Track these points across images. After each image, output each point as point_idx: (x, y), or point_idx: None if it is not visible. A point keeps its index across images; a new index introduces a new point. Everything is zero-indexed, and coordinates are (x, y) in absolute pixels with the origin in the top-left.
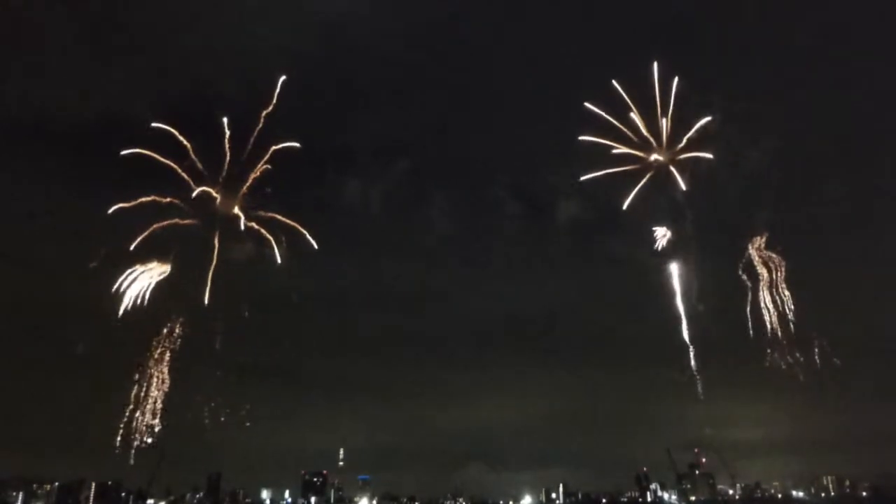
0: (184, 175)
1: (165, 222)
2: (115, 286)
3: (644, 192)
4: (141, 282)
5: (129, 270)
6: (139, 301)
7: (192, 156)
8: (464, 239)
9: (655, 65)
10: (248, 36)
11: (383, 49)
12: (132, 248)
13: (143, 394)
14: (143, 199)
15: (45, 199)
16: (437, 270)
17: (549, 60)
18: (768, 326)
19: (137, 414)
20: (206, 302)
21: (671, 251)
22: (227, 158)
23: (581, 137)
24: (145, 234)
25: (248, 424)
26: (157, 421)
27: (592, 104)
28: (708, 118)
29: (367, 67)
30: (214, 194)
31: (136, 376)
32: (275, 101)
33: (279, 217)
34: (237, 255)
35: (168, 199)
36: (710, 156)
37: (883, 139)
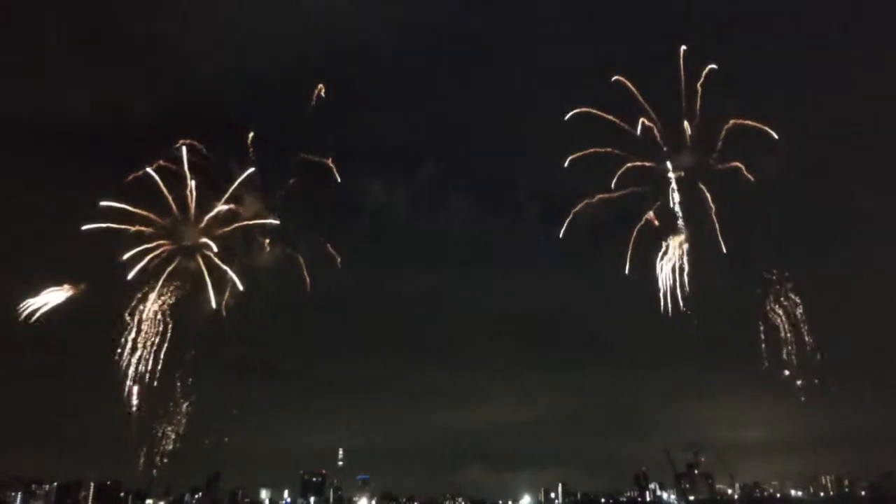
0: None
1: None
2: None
3: (664, 203)
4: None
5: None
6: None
7: (204, 175)
8: (464, 242)
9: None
10: (251, 41)
11: (400, 53)
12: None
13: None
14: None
15: (45, 202)
16: (436, 272)
17: (569, 63)
18: (780, 332)
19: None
20: (223, 313)
21: (678, 255)
22: (254, 177)
23: (570, 158)
24: (154, 254)
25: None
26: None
27: (594, 108)
28: (768, 130)
29: (377, 71)
30: (242, 213)
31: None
32: (313, 110)
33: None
34: (256, 264)
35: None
36: (751, 178)
37: None
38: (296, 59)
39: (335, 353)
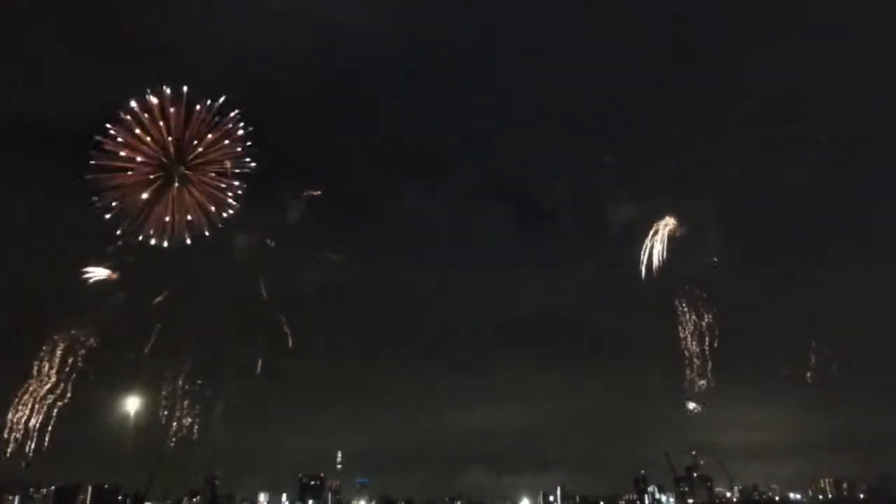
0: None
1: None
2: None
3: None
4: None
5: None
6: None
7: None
8: (459, 240)
9: None
10: (253, 42)
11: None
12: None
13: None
14: None
15: (44, 203)
16: (437, 274)
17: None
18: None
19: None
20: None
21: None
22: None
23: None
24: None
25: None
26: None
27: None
28: None
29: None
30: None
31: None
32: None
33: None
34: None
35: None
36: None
37: None
38: (298, 60)
39: (333, 355)
